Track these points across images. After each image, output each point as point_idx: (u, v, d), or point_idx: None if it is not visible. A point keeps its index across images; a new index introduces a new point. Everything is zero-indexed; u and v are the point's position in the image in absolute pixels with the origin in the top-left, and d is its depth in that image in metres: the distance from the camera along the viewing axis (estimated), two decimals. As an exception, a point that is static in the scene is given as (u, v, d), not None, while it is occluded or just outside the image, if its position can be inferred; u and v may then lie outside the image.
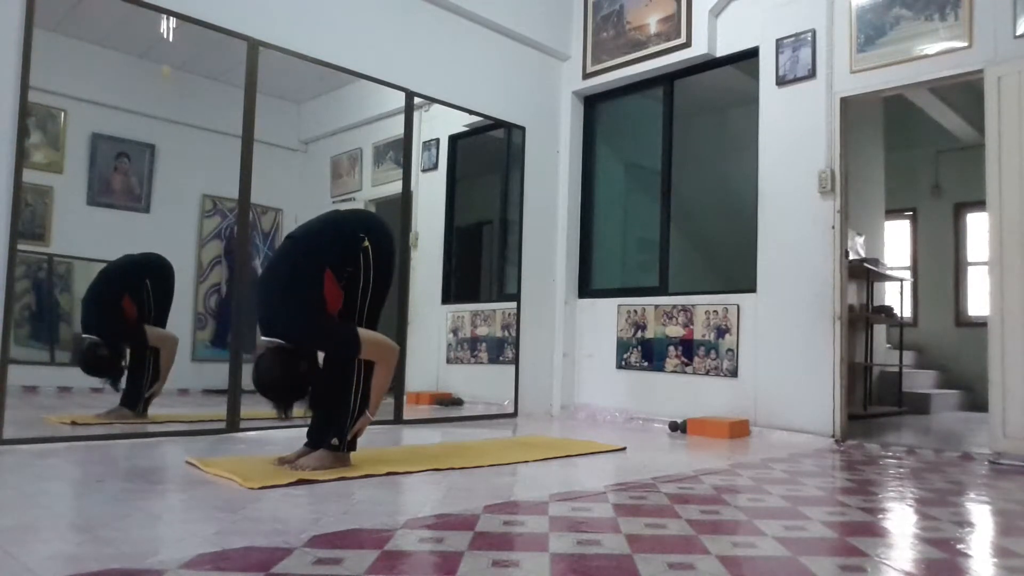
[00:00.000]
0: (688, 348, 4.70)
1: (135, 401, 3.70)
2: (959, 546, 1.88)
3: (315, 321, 2.50)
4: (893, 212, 7.18)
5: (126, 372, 3.79)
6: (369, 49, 4.28)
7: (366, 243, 2.60)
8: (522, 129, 5.19)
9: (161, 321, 3.89)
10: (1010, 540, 2.01)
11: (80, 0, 3.64)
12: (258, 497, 2.15)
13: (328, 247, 2.57)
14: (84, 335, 3.76)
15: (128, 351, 3.80)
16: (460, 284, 5.58)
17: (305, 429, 2.75)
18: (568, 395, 5.30)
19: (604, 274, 5.47)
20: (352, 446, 2.64)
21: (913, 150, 7.46)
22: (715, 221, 5.76)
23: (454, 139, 5.25)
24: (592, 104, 5.54)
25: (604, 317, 5.20)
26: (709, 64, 4.82)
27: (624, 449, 3.49)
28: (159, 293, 3.92)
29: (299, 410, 2.59)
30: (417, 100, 4.57)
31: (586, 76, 5.36)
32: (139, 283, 3.89)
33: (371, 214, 2.94)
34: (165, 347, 3.74)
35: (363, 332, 2.55)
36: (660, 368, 4.83)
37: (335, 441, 2.60)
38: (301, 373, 2.47)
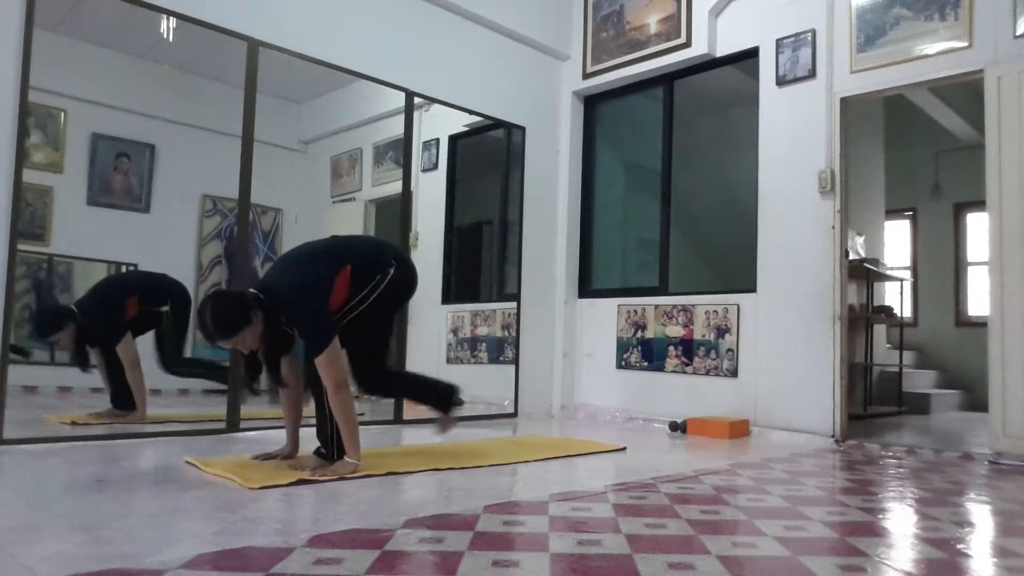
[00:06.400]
0: (688, 348, 4.70)
1: (121, 402, 3.68)
2: (959, 546, 1.88)
3: (310, 297, 2.49)
4: (893, 212, 7.17)
5: (105, 374, 3.74)
6: (369, 49, 4.28)
7: (391, 272, 2.67)
8: (522, 129, 5.19)
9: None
10: (1010, 540, 2.01)
11: (80, 0, 3.64)
12: (258, 497, 2.15)
13: (357, 250, 2.72)
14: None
15: (100, 352, 3.75)
16: (460, 284, 5.58)
17: (310, 431, 2.77)
18: (568, 395, 5.30)
19: (604, 274, 5.47)
20: (340, 453, 2.60)
21: (913, 150, 7.45)
22: (715, 221, 5.75)
23: (454, 139, 5.25)
24: (592, 104, 5.54)
25: (604, 317, 5.20)
26: (709, 64, 4.82)
27: (624, 449, 3.49)
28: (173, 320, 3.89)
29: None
30: (417, 100, 4.57)
31: (586, 76, 5.36)
32: (156, 296, 3.85)
33: (408, 258, 2.92)
34: (126, 359, 3.62)
35: (335, 347, 2.48)
36: (660, 368, 4.83)
37: (323, 450, 2.63)
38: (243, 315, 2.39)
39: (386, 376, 2.94)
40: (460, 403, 3.05)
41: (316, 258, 2.65)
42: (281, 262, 2.72)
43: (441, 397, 3.03)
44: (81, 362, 3.74)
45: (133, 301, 3.77)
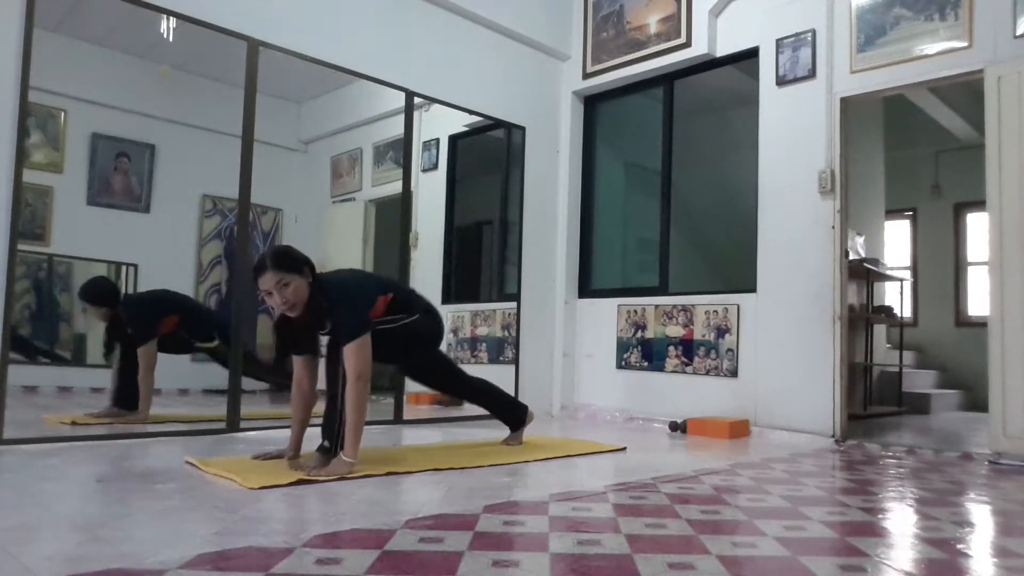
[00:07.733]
0: (688, 348, 4.70)
1: (125, 401, 3.68)
2: (959, 546, 1.88)
3: (357, 295, 2.73)
4: (893, 212, 7.18)
5: (115, 372, 3.76)
6: (369, 49, 4.28)
7: (417, 316, 2.99)
8: (522, 129, 5.19)
9: (175, 347, 3.88)
10: (1010, 540, 2.01)
11: (80, 0, 3.64)
12: (258, 497, 2.15)
13: (401, 290, 3.05)
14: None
15: (120, 348, 3.78)
16: (460, 284, 5.57)
17: (312, 432, 2.77)
18: (568, 395, 5.30)
19: (604, 274, 5.47)
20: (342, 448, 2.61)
21: (913, 150, 7.45)
22: (715, 221, 5.75)
23: (454, 139, 5.25)
24: (592, 104, 5.54)
25: (604, 317, 5.20)
26: (709, 64, 4.82)
27: (624, 449, 3.49)
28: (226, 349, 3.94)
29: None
30: (417, 100, 4.57)
31: (586, 76, 5.36)
32: (200, 328, 3.91)
33: (436, 312, 3.22)
34: (144, 361, 3.65)
35: (367, 339, 2.58)
36: (660, 368, 4.83)
37: (326, 443, 2.62)
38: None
39: (467, 384, 3.45)
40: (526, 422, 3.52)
41: (368, 276, 3.16)
42: (334, 271, 2.94)
43: (514, 414, 3.52)
44: (110, 349, 3.82)
45: (174, 320, 3.85)
